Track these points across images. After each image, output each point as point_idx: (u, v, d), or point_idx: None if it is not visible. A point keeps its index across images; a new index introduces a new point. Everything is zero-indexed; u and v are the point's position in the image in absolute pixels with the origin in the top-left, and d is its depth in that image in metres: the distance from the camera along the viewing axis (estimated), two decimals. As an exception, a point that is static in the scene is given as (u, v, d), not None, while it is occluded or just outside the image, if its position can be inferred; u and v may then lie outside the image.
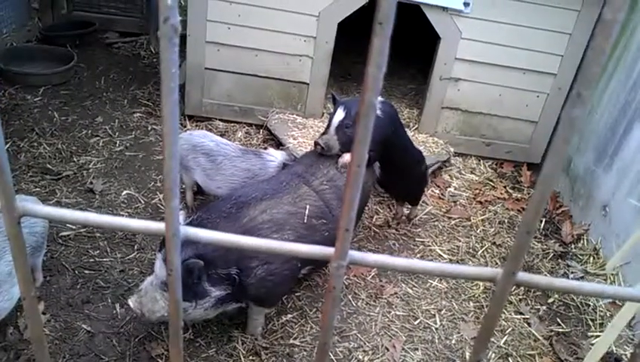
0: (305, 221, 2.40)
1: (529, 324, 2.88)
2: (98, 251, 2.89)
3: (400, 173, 3.06)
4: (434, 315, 2.87)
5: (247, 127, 4.11)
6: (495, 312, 0.54)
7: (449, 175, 4.00)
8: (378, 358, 2.59)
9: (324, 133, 2.72)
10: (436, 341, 2.73)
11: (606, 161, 3.49)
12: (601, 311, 2.98)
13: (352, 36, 4.09)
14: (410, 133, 3.64)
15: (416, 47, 4.82)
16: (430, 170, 3.63)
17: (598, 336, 2.80)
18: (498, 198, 3.82)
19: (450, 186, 3.88)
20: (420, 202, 3.48)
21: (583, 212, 3.61)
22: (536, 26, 3.73)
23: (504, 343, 2.76)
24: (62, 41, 4.77)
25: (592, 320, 2.95)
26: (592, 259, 3.31)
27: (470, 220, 3.58)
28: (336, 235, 0.50)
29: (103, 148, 3.67)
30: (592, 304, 3.04)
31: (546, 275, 3.02)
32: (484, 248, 3.36)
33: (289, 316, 2.74)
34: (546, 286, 0.54)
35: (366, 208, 3.37)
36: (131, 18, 5.27)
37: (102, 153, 3.62)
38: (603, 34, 0.40)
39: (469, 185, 3.93)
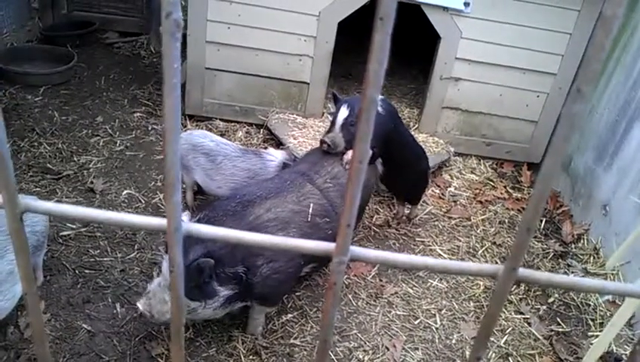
0: (309, 219, 2.41)
1: (529, 324, 2.88)
2: (98, 251, 2.89)
3: (401, 169, 3.09)
4: (434, 315, 2.87)
5: (247, 127, 4.12)
6: (495, 309, 0.54)
7: (449, 175, 4.00)
8: (378, 358, 2.60)
9: (329, 131, 2.75)
10: (436, 340, 2.74)
11: (606, 161, 3.49)
12: (602, 311, 2.98)
13: (353, 36, 4.10)
14: (410, 133, 3.65)
15: (417, 47, 4.82)
16: (430, 170, 3.64)
17: (598, 336, 2.80)
18: (498, 198, 3.82)
19: (450, 186, 3.88)
20: (420, 202, 3.49)
21: (584, 211, 3.61)
22: (537, 26, 3.73)
23: (504, 343, 2.76)
24: (62, 41, 4.77)
25: (592, 319, 2.95)
26: (592, 258, 3.31)
27: (470, 220, 3.58)
28: (338, 231, 0.50)
29: (103, 148, 3.67)
30: (592, 304, 3.04)
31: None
32: (484, 248, 3.36)
33: (289, 315, 2.74)
34: (546, 282, 0.54)
35: (366, 208, 3.38)
36: (131, 18, 5.27)
37: (102, 153, 3.63)
38: (603, 30, 0.40)
39: (470, 184, 3.93)
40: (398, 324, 2.79)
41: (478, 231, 3.49)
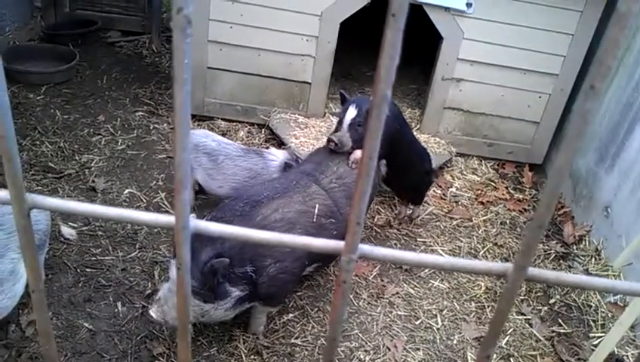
0: (314, 220, 2.41)
1: (531, 325, 2.88)
2: (100, 249, 2.89)
3: (405, 170, 3.10)
4: (435, 315, 2.87)
5: (249, 127, 4.11)
6: (505, 308, 0.54)
7: (451, 175, 4.00)
8: (379, 358, 2.59)
9: (336, 131, 2.77)
10: (438, 341, 2.73)
11: (608, 162, 3.48)
12: (603, 312, 2.98)
13: (354, 36, 4.10)
14: (412, 134, 3.65)
15: (419, 48, 4.81)
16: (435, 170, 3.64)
17: (599, 337, 2.80)
18: (500, 199, 3.82)
19: (451, 187, 3.88)
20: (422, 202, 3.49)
21: (585, 213, 3.61)
22: (539, 27, 3.72)
23: (506, 344, 2.76)
24: (64, 40, 4.77)
25: (593, 321, 2.94)
26: (593, 259, 3.30)
27: (472, 221, 3.57)
28: (347, 229, 0.50)
29: (105, 147, 3.67)
30: (593, 305, 3.03)
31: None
32: (485, 249, 3.36)
33: (290, 315, 2.74)
34: (555, 281, 0.54)
35: (369, 208, 3.37)
36: (133, 17, 5.27)
37: (104, 152, 3.62)
38: (618, 26, 0.39)
39: (471, 185, 3.92)
40: (400, 324, 2.78)
41: (480, 232, 3.49)
